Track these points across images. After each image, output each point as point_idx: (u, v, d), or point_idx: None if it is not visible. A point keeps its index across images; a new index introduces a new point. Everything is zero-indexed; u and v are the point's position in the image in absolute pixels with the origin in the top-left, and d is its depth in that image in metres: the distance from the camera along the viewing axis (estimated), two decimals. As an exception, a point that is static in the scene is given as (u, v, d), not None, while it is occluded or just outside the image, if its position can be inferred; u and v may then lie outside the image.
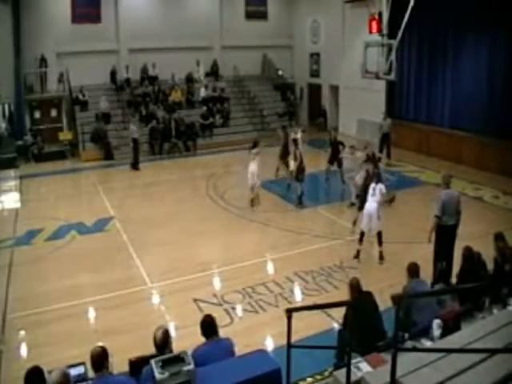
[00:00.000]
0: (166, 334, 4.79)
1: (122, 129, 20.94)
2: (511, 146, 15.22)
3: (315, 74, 25.33)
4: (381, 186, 9.95)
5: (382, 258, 9.98)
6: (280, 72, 25.73)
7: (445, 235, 8.49)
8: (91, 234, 12.00)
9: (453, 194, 8.67)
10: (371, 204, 9.83)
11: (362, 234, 10.09)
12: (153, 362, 4.15)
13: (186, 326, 7.56)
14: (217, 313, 6.81)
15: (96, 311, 8.51)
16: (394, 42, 14.00)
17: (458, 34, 17.21)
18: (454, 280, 7.01)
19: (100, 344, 4.56)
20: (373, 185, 9.98)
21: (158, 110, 21.49)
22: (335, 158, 14.77)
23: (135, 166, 18.02)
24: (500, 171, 15.29)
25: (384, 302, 6.43)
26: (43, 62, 20.76)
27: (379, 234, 9.97)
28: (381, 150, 17.14)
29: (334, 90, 24.05)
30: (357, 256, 10.11)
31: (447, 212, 8.46)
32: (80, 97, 21.16)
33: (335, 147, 14.80)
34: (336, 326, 7.42)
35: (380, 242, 9.98)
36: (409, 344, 5.82)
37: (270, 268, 10.10)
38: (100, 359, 4.31)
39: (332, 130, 16.10)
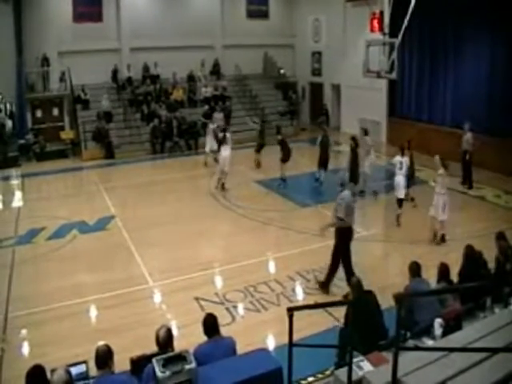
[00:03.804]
0: (169, 332, 4.79)
1: (124, 128, 21.00)
2: (513, 144, 15.21)
3: (317, 72, 25.33)
4: (404, 159, 11.90)
5: (398, 219, 11.88)
6: (282, 71, 25.72)
7: (348, 236, 8.63)
8: (92, 233, 12.01)
9: (351, 195, 8.72)
10: (398, 177, 11.87)
11: (400, 200, 11.96)
12: (154, 360, 4.15)
13: (187, 324, 7.58)
14: (218, 311, 6.80)
15: (97, 310, 8.53)
16: (396, 41, 13.97)
17: (459, 33, 17.18)
18: (455, 279, 7.00)
19: (102, 342, 4.56)
20: (398, 158, 11.97)
21: (160, 108, 21.50)
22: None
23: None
24: (501, 170, 15.26)
25: (385, 301, 6.43)
26: (45, 60, 20.79)
27: (401, 200, 11.93)
28: (464, 176, 14.63)
29: (336, 88, 24.05)
30: (398, 220, 11.85)
31: (350, 213, 8.56)
32: (82, 96, 21.18)
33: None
34: (337, 324, 7.42)
35: (400, 206, 11.96)
36: (410, 343, 5.82)
37: (272, 267, 10.10)
38: (105, 357, 4.31)
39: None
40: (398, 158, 12.05)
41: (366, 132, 14.23)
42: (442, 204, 10.41)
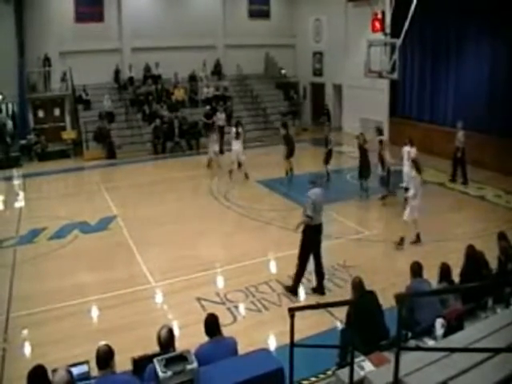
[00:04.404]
0: (171, 333, 4.79)
1: (125, 128, 21.01)
2: (514, 144, 15.21)
3: (318, 72, 25.33)
4: (412, 149, 12.58)
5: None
6: (283, 71, 25.73)
7: (316, 234, 8.67)
8: (94, 233, 12.02)
9: (320, 192, 8.75)
10: (406, 167, 12.38)
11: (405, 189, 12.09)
12: (156, 360, 4.15)
13: (188, 324, 7.58)
14: (220, 311, 6.80)
15: (99, 310, 8.53)
16: (397, 41, 13.99)
17: (460, 33, 17.18)
18: (456, 279, 6.99)
19: (103, 342, 4.57)
20: (407, 148, 12.74)
21: (162, 109, 21.51)
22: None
23: (221, 151, 18.66)
24: (502, 170, 15.26)
25: (387, 301, 6.42)
26: (46, 61, 20.81)
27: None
28: (463, 174, 14.92)
29: (337, 88, 24.04)
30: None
31: (317, 211, 8.58)
32: (83, 96, 21.21)
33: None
34: (339, 325, 7.42)
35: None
36: (412, 343, 5.81)
37: (273, 267, 10.10)
38: (106, 358, 4.31)
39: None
40: (406, 149, 12.82)
41: (380, 132, 14.18)
42: (412, 206, 10.39)
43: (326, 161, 15.42)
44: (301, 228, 8.80)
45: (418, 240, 10.62)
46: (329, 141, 15.42)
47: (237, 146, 15.98)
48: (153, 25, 22.58)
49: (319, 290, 8.84)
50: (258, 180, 15.87)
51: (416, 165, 10.50)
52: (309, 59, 25.59)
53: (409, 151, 12.69)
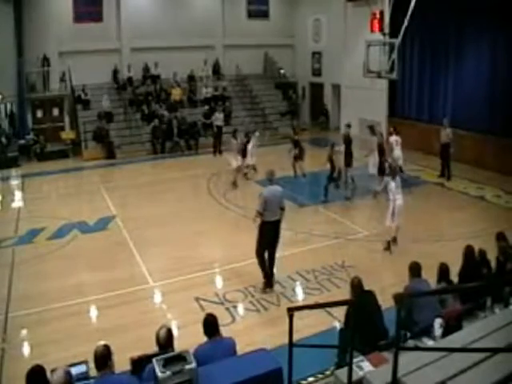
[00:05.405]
0: (169, 332, 4.79)
1: (124, 128, 21.00)
2: (513, 144, 15.22)
3: (317, 72, 25.32)
4: (398, 138, 14.53)
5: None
6: (282, 71, 25.73)
7: (270, 230, 8.75)
8: (93, 233, 12.01)
9: (276, 190, 8.79)
10: (397, 152, 14.34)
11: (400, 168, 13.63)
12: (154, 360, 4.15)
13: (187, 324, 7.58)
14: (218, 312, 6.80)
15: (98, 310, 8.52)
16: (396, 41, 14.00)
17: (459, 33, 17.18)
18: (455, 279, 7.00)
19: (102, 342, 4.56)
20: (394, 137, 14.54)
21: (160, 108, 21.50)
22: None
23: (215, 152, 19.09)
24: (502, 170, 15.27)
25: (386, 301, 6.42)
26: (45, 61, 20.82)
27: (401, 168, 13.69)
28: (443, 168, 15.51)
29: (336, 89, 24.03)
30: None
31: (270, 208, 8.63)
32: (82, 96, 21.19)
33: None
34: (338, 325, 7.42)
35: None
36: (410, 343, 5.81)
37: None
38: (104, 358, 4.29)
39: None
40: (393, 138, 14.67)
41: (373, 131, 14.18)
42: (393, 210, 10.36)
43: (348, 163, 14.14)
44: (258, 221, 8.91)
45: (389, 245, 10.54)
46: (351, 140, 14.35)
47: (250, 147, 16.07)
48: (152, 25, 22.56)
49: (267, 284, 8.90)
50: (257, 180, 15.84)
51: (391, 167, 10.52)
52: (308, 59, 25.58)
53: (396, 139, 14.55)
